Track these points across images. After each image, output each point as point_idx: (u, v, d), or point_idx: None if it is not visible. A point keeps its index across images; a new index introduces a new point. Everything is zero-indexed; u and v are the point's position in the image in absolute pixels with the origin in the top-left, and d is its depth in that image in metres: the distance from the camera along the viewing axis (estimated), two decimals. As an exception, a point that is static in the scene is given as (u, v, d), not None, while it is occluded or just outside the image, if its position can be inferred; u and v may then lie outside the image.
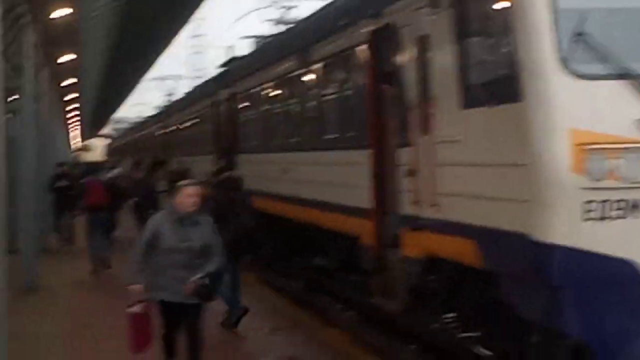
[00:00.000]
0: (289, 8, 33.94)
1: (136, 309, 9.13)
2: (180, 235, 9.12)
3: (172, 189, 9.82)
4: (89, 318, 13.74)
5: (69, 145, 76.96)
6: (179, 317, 9.24)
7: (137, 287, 9.12)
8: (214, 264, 9.25)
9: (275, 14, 34.73)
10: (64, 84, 38.20)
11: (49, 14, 19.65)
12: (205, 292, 9.13)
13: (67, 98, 45.98)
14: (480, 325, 10.38)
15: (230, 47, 55.51)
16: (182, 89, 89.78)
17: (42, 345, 11.79)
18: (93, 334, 12.43)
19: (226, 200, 12.78)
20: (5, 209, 10.24)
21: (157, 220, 9.31)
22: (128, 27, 36.43)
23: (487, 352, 10.78)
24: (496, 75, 8.72)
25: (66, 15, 20.21)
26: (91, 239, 19.37)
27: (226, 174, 13.53)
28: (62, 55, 27.80)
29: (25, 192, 17.75)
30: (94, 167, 24.39)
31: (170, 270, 9.10)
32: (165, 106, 55.01)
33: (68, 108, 54.21)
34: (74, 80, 38.95)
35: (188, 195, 9.25)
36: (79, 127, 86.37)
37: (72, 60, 29.29)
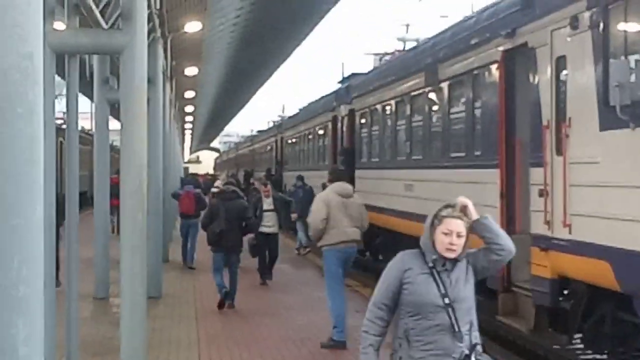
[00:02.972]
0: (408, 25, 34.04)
1: None
2: (440, 286, 5.50)
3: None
4: (214, 325, 13.99)
5: (183, 157, 78.40)
6: None
7: None
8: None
9: (395, 32, 35.00)
10: (185, 96, 39.11)
11: (180, 29, 20.20)
12: None
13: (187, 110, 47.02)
14: (608, 347, 10.32)
15: (343, 63, 55.92)
16: (292, 105, 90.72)
17: (174, 351, 12.08)
18: (222, 342, 12.67)
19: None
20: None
21: (401, 262, 5.68)
22: (247, 42, 37.04)
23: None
24: (639, 97, 8.69)
25: (196, 31, 20.75)
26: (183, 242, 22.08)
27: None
28: (186, 68, 28.48)
29: (153, 203, 18.01)
30: (191, 180, 26.13)
31: (425, 338, 5.47)
32: (279, 121, 55.51)
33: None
34: (193, 93, 39.83)
35: (445, 234, 5.52)
36: (189, 138, 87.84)
37: (194, 75, 30.01)
